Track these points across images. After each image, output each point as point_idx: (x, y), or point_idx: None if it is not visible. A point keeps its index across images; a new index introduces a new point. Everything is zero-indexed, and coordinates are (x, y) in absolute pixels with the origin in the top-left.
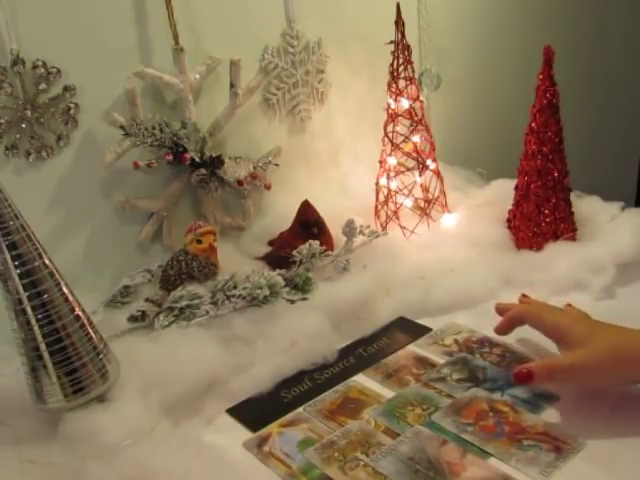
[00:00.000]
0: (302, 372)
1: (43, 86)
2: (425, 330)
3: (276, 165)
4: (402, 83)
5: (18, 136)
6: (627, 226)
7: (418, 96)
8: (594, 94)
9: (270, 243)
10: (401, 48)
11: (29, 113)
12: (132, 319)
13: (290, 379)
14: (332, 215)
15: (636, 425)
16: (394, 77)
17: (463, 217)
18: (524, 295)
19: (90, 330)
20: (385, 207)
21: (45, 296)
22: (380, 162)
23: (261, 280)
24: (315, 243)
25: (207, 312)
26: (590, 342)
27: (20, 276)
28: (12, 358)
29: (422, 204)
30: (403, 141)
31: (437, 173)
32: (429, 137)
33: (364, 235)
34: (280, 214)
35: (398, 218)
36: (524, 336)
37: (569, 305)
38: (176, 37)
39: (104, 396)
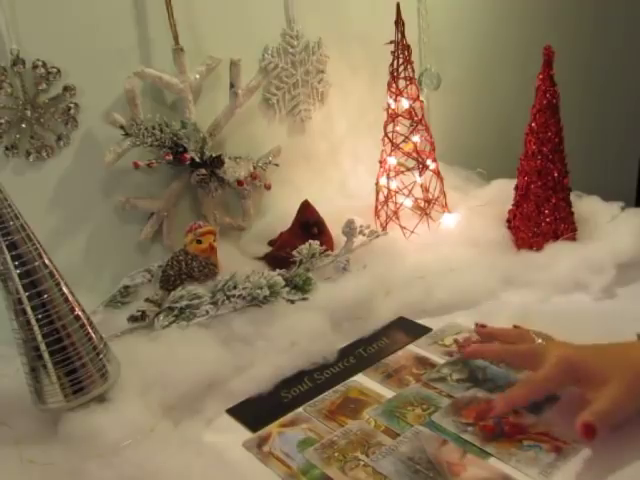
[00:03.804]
0: (302, 372)
1: (43, 86)
2: (425, 330)
3: (276, 165)
4: (402, 83)
5: (18, 136)
6: (627, 226)
7: (418, 96)
8: (594, 94)
9: (270, 243)
10: (401, 48)
11: (29, 113)
12: (132, 319)
13: (290, 379)
14: (332, 215)
15: (636, 426)
16: (394, 77)
17: (463, 217)
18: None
19: (90, 330)
20: (385, 207)
21: (45, 296)
22: (380, 162)
23: (261, 280)
24: (315, 243)
25: (207, 312)
26: (609, 372)
27: (20, 276)
28: (12, 358)
29: (422, 204)
30: (403, 141)
31: (437, 173)
32: (429, 137)
33: (364, 235)
34: (280, 214)
35: (398, 218)
36: None
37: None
38: (176, 37)
39: (104, 396)
